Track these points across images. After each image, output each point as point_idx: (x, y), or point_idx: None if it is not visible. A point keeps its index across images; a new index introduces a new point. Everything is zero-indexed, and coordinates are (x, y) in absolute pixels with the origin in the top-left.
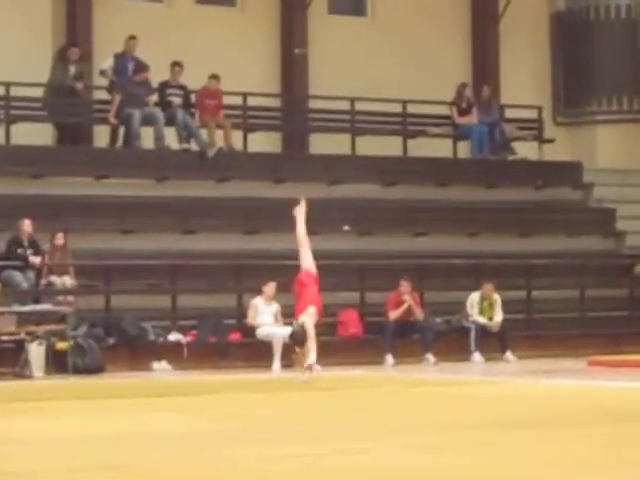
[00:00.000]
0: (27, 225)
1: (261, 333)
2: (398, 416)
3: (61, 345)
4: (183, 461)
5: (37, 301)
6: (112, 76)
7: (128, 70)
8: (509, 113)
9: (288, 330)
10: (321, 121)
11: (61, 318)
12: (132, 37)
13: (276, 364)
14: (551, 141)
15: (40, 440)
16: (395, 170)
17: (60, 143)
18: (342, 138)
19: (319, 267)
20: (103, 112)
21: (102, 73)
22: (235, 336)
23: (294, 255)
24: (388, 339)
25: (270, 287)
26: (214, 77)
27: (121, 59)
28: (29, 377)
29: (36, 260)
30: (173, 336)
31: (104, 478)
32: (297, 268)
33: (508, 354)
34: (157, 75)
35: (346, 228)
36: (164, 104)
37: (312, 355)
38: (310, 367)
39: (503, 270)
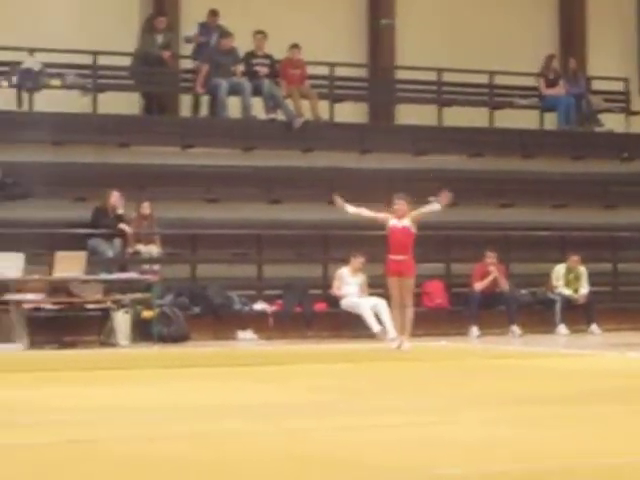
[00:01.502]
0: (115, 197)
1: (346, 304)
2: (482, 388)
3: (147, 314)
4: (266, 431)
5: (123, 270)
6: (198, 39)
7: (213, 39)
8: (596, 85)
9: (373, 301)
10: (407, 92)
11: (147, 287)
12: (214, 12)
13: (375, 327)
14: (638, 113)
15: (124, 408)
16: (481, 141)
17: (147, 112)
18: (428, 109)
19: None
20: (189, 82)
21: (187, 40)
22: (320, 306)
23: (379, 226)
24: (473, 310)
25: (358, 261)
26: (295, 47)
27: (205, 28)
28: (114, 345)
29: (123, 229)
30: (258, 305)
31: (186, 447)
32: (383, 238)
33: (593, 327)
34: (244, 46)
35: (432, 199)
36: (250, 74)
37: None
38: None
39: (589, 242)
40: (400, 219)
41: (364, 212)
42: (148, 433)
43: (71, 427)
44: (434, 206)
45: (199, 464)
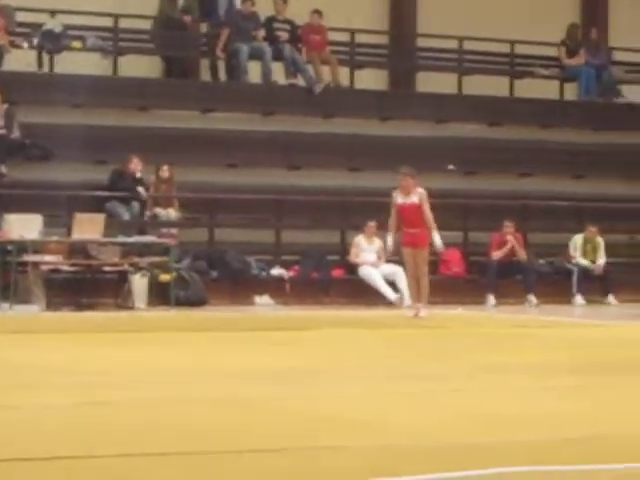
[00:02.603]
0: (135, 162)
1: (361, 272)
2: (497, 357)
3: (164, 277)
4: (284, 396)
5: (141, 233)
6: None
7: (234, 3)
8: (617, 56)
9: (390, 268)
10: (429, 59)
11: (165, 250)
12: None
13: (391, 296)
14: None
15: (142, 370)
16: (501, 110)
17: (167, 76)
18: (449, 77)
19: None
20: (209, 46)
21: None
22: (338, 272)
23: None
24: (490, 279)
25: (371, 227)
26: (317, 12)
27: None
28: (131, 308)
29: (142, 192)
30: (276, 271)
31: (205, 410)
32: None
33: (610, 297)
34: (265, 11)
35: (451, 167)
36: (271, 39)
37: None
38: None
39: (607, 213)
40: (407, 195)
41: (392, 225)
42: (167, 395)
43: (90, 389)
44: (436, 237)
45: (219, 427)
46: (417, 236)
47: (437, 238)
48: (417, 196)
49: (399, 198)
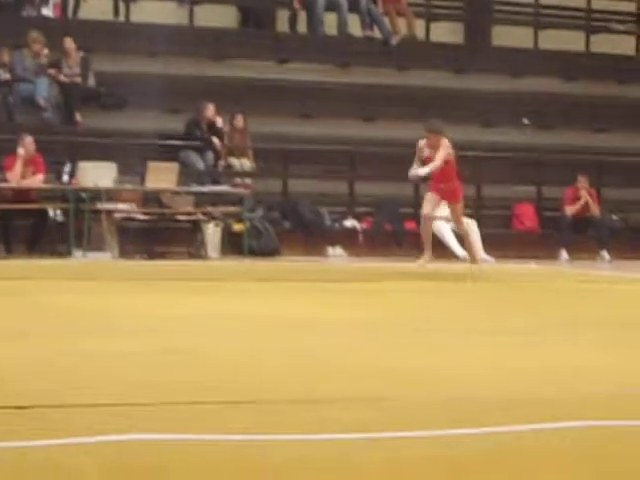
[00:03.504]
0: (210, 110)
1: (433, 226)
2: (570, 312)
3: (237, 227)
4: (357, 346)
5: (215, 182)
6: None
7: None
8: None
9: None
10: (505, 13)
11: (238, 200)
12: None
13: (459, 251)
14: None
15: (217, 317)
16: (577, 65)
17: (243, 26)
18: (525, 31)
19: (497, 159)
20: None
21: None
22: (411, 225)
23: (474, 146)
24: (564, 234)
25: None
26: None
27: None
28: (204, 257)
29: (216, 142)
30: (349, 222)
31: (279, 359)
32: (472, 158)
33: None
34: None
35: (525, 121)
36: None
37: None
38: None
39: None
40: (434, 150)
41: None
42: (243, 342)
43: (166, 335)
44: (422, 169)
45: (293, 377)
46: (445, 191)
47: (422, 169)
48: (443, 149)
49: (426, 151)
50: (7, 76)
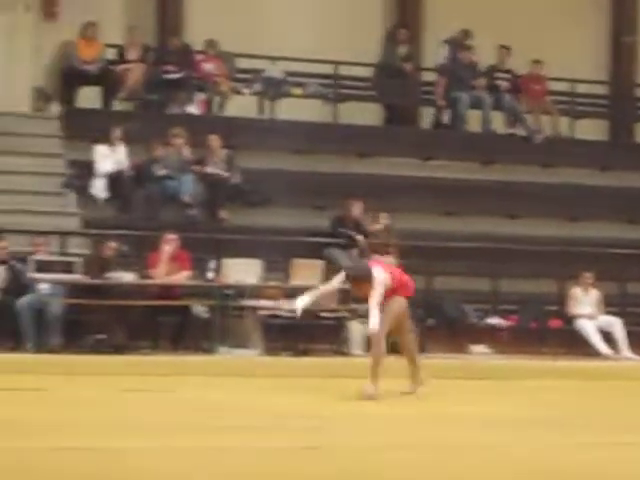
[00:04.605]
0: (357, 207)
1: (577, 323)
2: None
3: None
4: (509, 444)
5: None
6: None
7: (456, 52)
8: None
9: (605, 319)
10: None
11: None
12: (466, 32)
13: (603, 349)
14: None
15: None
16: None
17: (387, 123)
18: None
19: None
20: (429, 94)
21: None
22: (555, 323)
23: (617, 244)
24: None
25: (585, 278)
26: (537, 62)
27: (452, 45)
28: (347, 354)
29: (360, 239)
30: (493, 320)
31: (425, 457)
32: (616, 256)
33: None
34: (487, 61)
35: None
36: (492, 88)
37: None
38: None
39: None
40: None
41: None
42: (378, 441)
43: (306, 433)
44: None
45: (442, 475)
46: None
47: None
48: None
49: None
50: (163, 172)
